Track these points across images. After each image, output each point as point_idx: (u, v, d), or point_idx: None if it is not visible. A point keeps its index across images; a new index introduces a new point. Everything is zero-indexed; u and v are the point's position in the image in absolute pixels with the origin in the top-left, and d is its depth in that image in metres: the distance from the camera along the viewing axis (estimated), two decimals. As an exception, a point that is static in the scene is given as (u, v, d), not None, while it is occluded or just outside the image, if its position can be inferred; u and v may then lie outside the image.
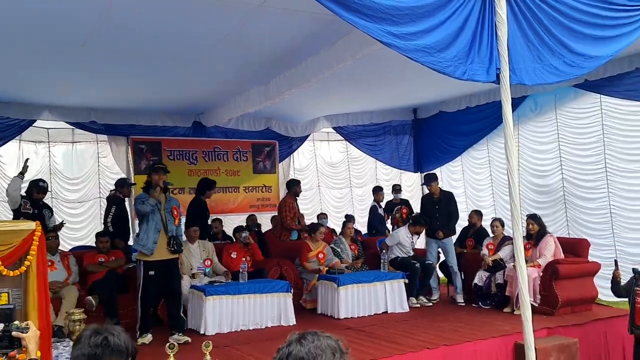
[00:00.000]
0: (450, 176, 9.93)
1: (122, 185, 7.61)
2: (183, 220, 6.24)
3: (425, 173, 8.79)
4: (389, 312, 6.53)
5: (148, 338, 5.38)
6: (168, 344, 3.83)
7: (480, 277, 6.90)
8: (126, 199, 7.68)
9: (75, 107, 7.71)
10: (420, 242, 7.95)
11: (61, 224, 7.02)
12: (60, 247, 6.37)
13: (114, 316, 5.81)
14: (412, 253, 7.48)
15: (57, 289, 5.67)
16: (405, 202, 9.13)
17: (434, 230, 7.41)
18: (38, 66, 5.79)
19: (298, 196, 8.46)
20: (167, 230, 5.45)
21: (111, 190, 7.81)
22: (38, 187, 6.82)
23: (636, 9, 4.41)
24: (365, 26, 3.53)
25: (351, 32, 4.59)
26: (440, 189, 7.79)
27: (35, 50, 5.28)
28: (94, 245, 6.73)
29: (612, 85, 6.83)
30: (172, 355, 3.67)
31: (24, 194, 6.71)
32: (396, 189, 9.30)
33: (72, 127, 8.22)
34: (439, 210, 7.49)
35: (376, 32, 3.54)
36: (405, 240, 7.45)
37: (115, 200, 7.43)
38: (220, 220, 8.26)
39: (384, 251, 7.28)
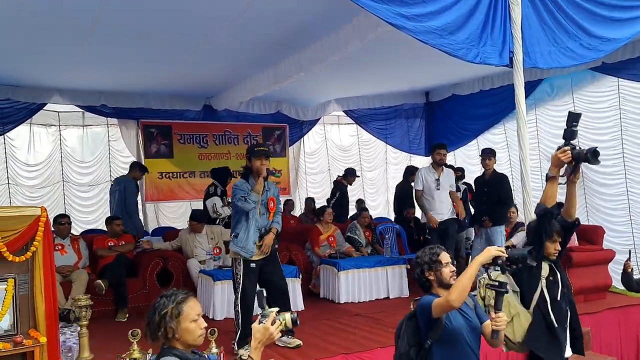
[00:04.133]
0: (467, 160, 9.77)
1: (351, 174, 8.72)
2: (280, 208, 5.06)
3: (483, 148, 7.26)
4: (390, 297, 6.52)
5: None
6: (131, 331, 3.60)
7: (493, 264, 6.79)
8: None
9: (85, 90, 7.71)
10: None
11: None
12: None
13: (123, 300, 5.85)
14: (440, 207, 6.25)
15: (67, 273, 5.70)
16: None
17: (481, 215, 6.45)
18: (47, 50, 5.77)
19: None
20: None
21: (338, 176, 8.97)
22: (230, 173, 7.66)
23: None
24: (374, 7, 3.44)
25: (360, 13, 4.46)
26: (494, 169, 6.61)
27: (44, 34, 5.25)
28: (103, 229, 6.74)
29: (630, 68, 6.60)
30: (135, 342, 3.58)
31: (216, 183, 7.32)
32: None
33: (82, 110, 8.22)
34: (487, 193, 6.47)
35: (385, 14, 3.44)
36: (430, 177, 6.31)
37: (340, 187, 8.53)
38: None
39: (387, 236, 7.18)
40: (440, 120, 9.69)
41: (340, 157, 10.54)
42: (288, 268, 6.23)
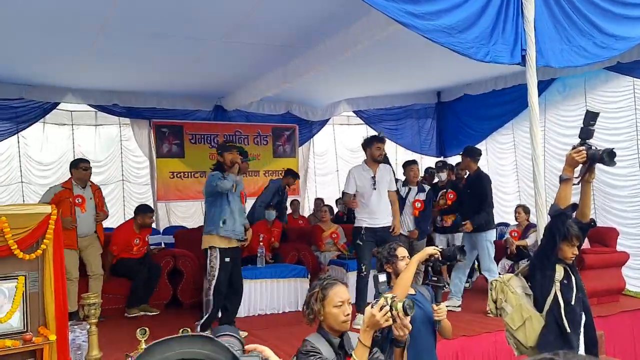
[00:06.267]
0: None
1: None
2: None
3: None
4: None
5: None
6: (139, 329, 3.49)
7: (503, 266, 6.73)
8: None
9: (97, 89, 7.76)
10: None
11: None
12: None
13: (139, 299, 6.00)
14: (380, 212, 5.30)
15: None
16: (453, 185, 6.90)
17: (462, 220, 5.97)
18: (59, 50, 5.81)
19: None
20: None
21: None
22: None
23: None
24: (383, 5, 3.40)
25: (370, 12, 4.43)
26: (478, 168, 6.06)
27: (55, 34, 5.28)
28: (113, 228, 6.76)
29: (647, 68, 6.52)
30: (143, 341, 3.54)
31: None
32: (438, 165, 7.32)
33: (95, 110, 8.28)
34: (470, 194, 5.98)
35: (394, 12, 3.40)
36: (364, 176, 5.39)
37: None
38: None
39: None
40: (451, 121, 9.61)
41: (349, 158, 10.49)
42: (296, 268, 6.26)
